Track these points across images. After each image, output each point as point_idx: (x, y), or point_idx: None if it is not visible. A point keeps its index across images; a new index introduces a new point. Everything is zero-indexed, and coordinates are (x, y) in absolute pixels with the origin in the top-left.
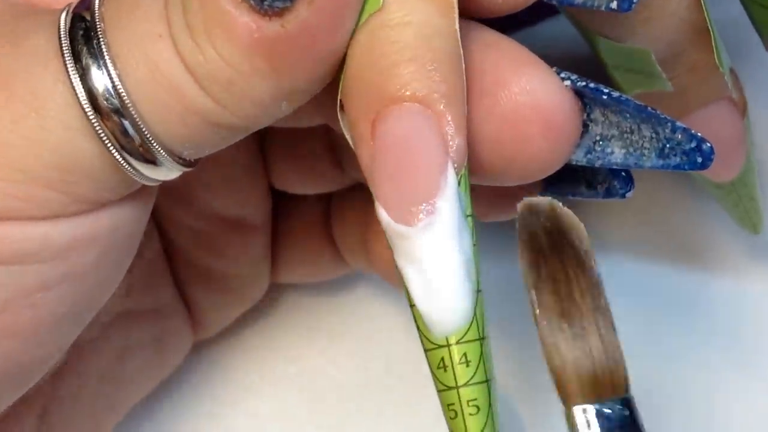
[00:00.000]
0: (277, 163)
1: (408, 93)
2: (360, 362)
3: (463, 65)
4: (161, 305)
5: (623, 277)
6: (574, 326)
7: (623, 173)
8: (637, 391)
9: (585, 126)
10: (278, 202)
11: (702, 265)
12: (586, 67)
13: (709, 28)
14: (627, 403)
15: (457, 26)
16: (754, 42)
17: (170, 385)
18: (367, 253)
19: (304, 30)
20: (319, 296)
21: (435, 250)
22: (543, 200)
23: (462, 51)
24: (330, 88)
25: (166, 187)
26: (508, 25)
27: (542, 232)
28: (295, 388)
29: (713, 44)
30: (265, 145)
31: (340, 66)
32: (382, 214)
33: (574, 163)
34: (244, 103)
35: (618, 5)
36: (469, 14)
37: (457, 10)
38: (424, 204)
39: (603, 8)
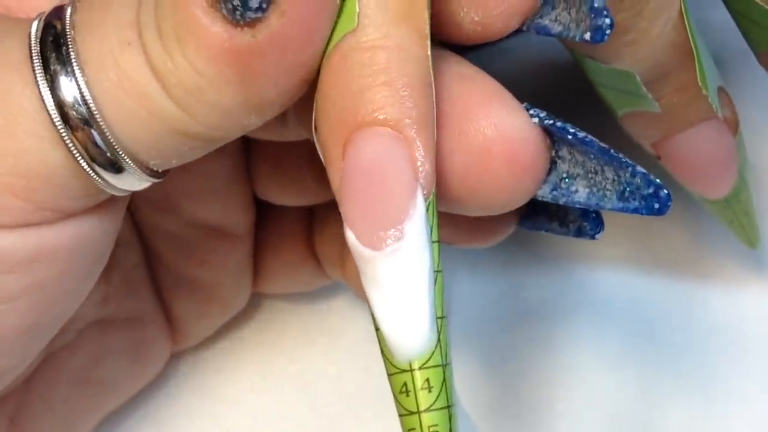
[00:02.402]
0: (262, 174)
1: (380, 117)
2: (360, 362)
3: (434, 92)
4: (140, 314)
5: (619, 289)
6: None
7: (594, 215)
8: (633, 396)
9: (553, 162)
10: (261, 213)
11: (698, 276)
12: (569, 74)
13: (694, 50)
14: None
15: (429, 52)
16: (747, 49)
17: (170, 385)
18: (343, 267)
19: (274, 41)
20: (319, 296)
21: (400, 276)
22: None
23: (433, 80)
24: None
25: (148, 195)
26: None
27: None
28: (295, 388)
29: (696, 67)
30: (250, 155)
31: (314, 84)
32: (350, 236)
33: (540, 198)
34: (212, 113)
35: (591, 37)
36: (448, 40)
37: (429, 37)
38: (392, 229)
39: (577, 39)
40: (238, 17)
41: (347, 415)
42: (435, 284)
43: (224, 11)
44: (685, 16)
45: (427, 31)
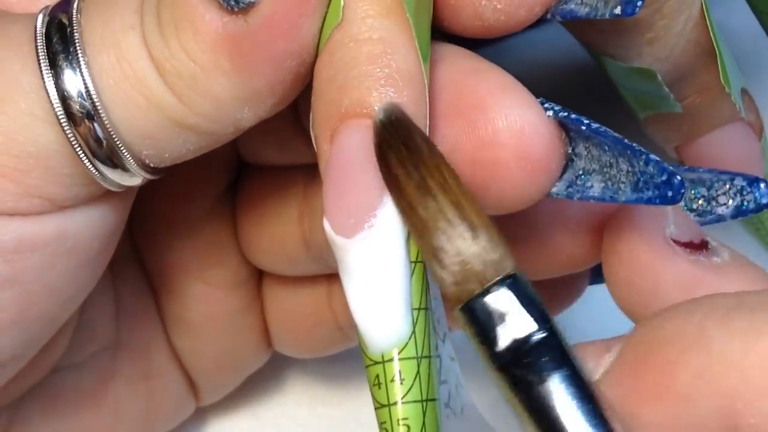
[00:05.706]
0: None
1: (362, 109)
2: (360, 362)
3: (425, 82)
4: (150, 347)
5: None
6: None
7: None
8: None
9: (570, 160)
10: (280, 278)
11: None
12: (578, 75)
13: (716, 49)
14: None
15: (415, 43)
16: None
17: None
18: None
19: (264, 26)
20: None
21: (370, 265)
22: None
23: (424, 71)
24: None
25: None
26: None
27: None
28: (295, 388)
29: (719, 66)
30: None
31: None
32: (326, 225)
33: (554, 196)
34: (205, 102)
35: (622, 10)
36: (470, 33)
37: (413, 29)
38: (364, 217)
39: (607, 16)
40: (233, 3)
41: (348, 417)
42: (412, 275)
43: (220, 0)
44: (706, 15)
45: (411, 25)
